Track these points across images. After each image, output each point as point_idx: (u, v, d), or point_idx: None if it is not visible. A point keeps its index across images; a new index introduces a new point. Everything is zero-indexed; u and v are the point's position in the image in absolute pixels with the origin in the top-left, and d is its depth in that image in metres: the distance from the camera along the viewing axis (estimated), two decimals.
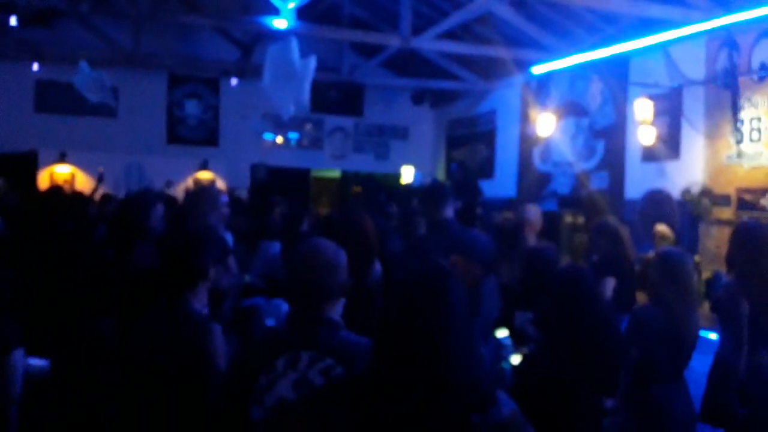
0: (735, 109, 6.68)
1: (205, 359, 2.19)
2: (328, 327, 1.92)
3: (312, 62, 6.06)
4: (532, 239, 4.67)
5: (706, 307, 4.63)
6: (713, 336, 3.83)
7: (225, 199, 3.99)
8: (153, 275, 2.79)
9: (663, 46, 7.46)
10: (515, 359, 3.07)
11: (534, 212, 4.93)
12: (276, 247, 5.73)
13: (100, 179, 7.80)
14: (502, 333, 3.29)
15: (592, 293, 2.65)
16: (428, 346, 1.40)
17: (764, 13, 6.14)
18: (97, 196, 7.61)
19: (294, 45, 6.08)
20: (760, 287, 3.42)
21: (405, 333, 1.43)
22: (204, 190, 4.03)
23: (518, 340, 3.27)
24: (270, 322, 4.48)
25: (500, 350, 3.20)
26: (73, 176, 10.96)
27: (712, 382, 3.57)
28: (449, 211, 3.91)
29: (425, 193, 4.30)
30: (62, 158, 10.90)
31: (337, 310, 1.99)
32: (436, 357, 1.40)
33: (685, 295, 3.15)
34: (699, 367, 3.57)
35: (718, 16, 6.59)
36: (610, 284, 4.15)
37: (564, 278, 2.72)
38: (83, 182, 10.58)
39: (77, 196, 6.88)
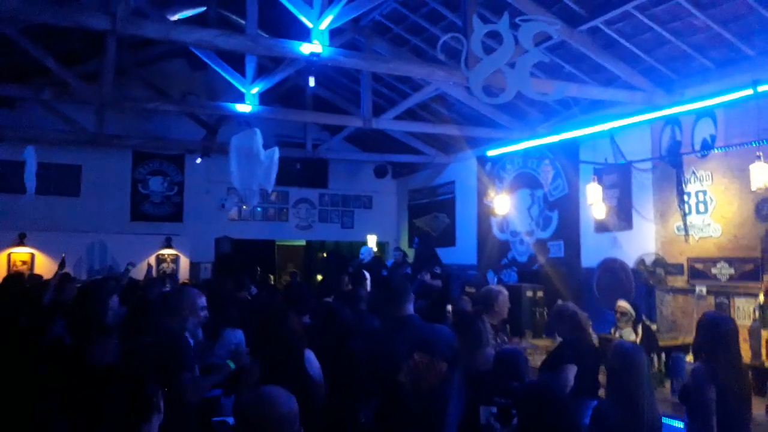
0: (679, 185, 7.04)
1: None
2: None
3: (275, 153, 6.22)
4: (495, 322, 4.71)
5: (667, 387, 4.76)
6: (679, 424, 3.90)
7: (203, 302, 3.91)
8: (111, 376, 2.70)
9: (611, 133, 7.87)
10: None
11: (502, 299, 4.95)
12: (239, 335, 5.68)
13: (61, 264, 7.66)
14: None
15: (557, 406, 2.75)
16: None
17: (702, 106, 6.68)
18: (55, 281, 7.44)
19: (258, 137, 6.24)
20: (726, 374, 3.56)
21: None
22: (183, 293, 3.93)
23: None
24: (232, 420, 4.41)
25: None
26: (32, 258, 10.74)
27: None
28: (410, 307, 3.84)
29: (385, 289, 4.20)
30: (21, 239, 10.70)
31: None
32: None
33: (642, 387, 3.25)
34: None
35: (661, 107, 7.09)
36: (572, 372, 4.17)
37: (531, 396, 2.84)
38: (43, 264, 10.37)
39: (32, 287, 6.65)
